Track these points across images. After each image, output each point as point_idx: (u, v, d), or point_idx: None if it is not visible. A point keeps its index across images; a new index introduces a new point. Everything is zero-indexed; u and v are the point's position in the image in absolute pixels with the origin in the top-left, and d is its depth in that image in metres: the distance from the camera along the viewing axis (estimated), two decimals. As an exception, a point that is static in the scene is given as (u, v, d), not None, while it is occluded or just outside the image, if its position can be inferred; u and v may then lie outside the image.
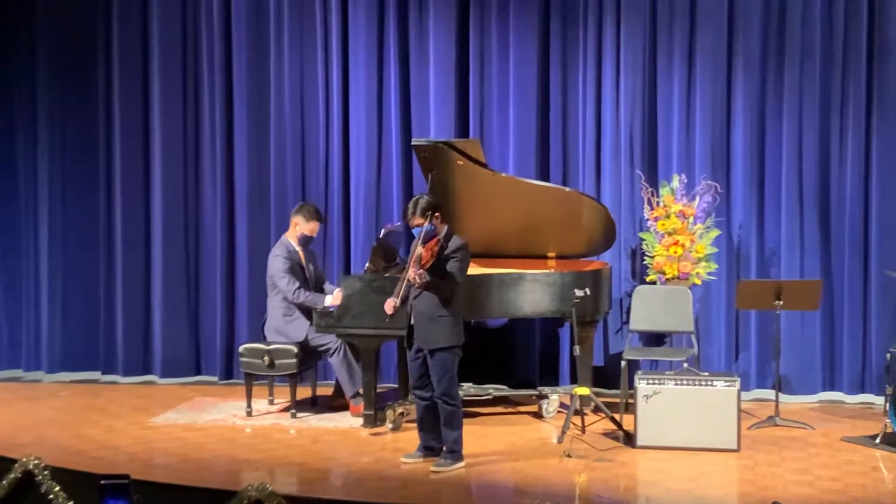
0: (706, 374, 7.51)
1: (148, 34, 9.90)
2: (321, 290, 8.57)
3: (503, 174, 8.54)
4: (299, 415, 8.43)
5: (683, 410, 7.37)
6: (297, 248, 8.60)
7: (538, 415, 8.44)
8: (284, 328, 8.46)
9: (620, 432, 7.71)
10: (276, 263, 8.49)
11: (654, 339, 9.06)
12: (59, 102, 10.06)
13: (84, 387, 9.75)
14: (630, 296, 8.82)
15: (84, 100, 10.04)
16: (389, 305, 7.10)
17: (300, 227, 8.60)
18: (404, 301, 7.13)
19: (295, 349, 8.36)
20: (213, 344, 9.90)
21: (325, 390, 8.98)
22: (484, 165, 8.34)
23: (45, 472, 6.44)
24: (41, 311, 10.15)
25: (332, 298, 8.22)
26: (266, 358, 8.38)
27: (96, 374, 10.05)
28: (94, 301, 10.08)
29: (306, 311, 8.41)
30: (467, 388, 8.58)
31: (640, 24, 9.16)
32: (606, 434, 7.80)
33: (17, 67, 10.14)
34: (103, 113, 10.00)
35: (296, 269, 8.51)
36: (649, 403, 7.41)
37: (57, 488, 6.38)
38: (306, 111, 9.73)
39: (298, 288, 8.41)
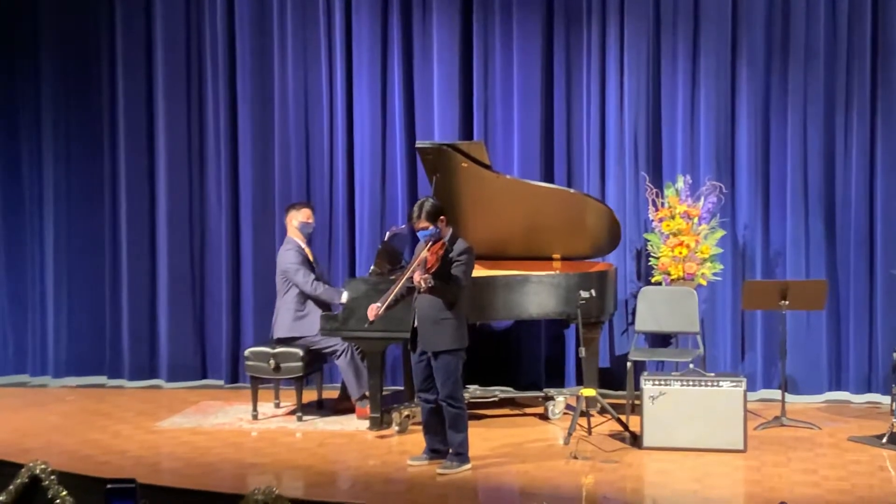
0: (712, 374, 7.52)
1: (151, 39, 9.90)
2: (328, 288, 8.61)
3: (507, 176, 8.55)
4: (305, 418, 8.43)
5: (689, 411, 7.37)
6: (304, 246, 8.61)
7: (544, 416, 8.44)
8: (296, 325, 8.44)
9: (627, 433, 7.71)
10: (289, 256, 8.48)
11: (660, 340, 9.05)
12: (63, 109, 10.07)
13: (90, 391, 9.77)
14: (635, 297, 8.82)
15: (88, 106, 10.05)
16: (372, 311, 7.12)
17: (295, 218, 8.62)
18: (390, 307, 7.14)
19: (300, 352, 8.37)
20: (218, 348, 9.91)
21: (331, 393, 8.99)
22: (488, 167, 8.34)
23: (52, 477, 6.42)
24: (47, 317, 10.16)
25: (347, 296, 8.21)
26: (272, 361, 8.39)
27: (102, 379, 10.06)
28: (99, 306, 10.09)
29: (318, 305, 8.40)
30: (473, 391, 8.59)
31: (644, 25, 9.16)
32: (613, 435, 7.80)
33: (20, 74, 10.15)
34: (107, 119, 10.01)
35: (305, 262, 8.52)
36: (655, 404, 7.41)
37: (64, 493, 6.37)
38: (310, 114, 9.73)
39: (315, 279, 8.41)
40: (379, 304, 7.13)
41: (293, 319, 8.47)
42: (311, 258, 8.64)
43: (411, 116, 9.57)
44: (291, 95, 9.70)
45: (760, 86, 9.05)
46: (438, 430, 7.15)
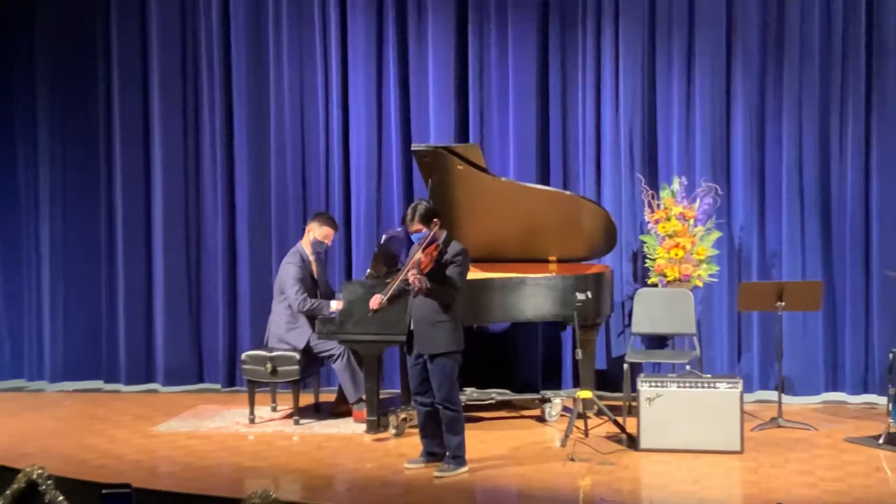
0: (708, 376, 7.51)
1: (147, 41, 9.90)
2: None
3: (503, 178, 8.54)
4: (302, 421, 8.43)
5: (686, 413, 7.37)
6: (311, 259, 8.61)
7: (541, 419, 8.44)
8: (286, 335, 8.46)
9: (623, 435, 7.71)
10: (289, 271, 8.49)
11: (657, 341, 9.05)
12: (59, 111, 10.06)
13: (87, 396, 9.76)
14: (632, 299, 8.82)
15: (84, 108, 10.04)
16: (375, 301, 7.14)
17: (313, 231, 8.62)
18: (392, 300, 7.14)
19: (297, 356, 8.37)
20: (215, 351, 9.90)
21: (328, 397, 8.98)
22: (484, 170, 8.34)
23: (49, 482, 6.43)
24: (43, 321, 10.15)
25: (337, 304, 8.23)
26: (268, 365, 8.38)
27: (99, 383, 10.05)
28: (96, 310, 10.07)
29: (310, 320, 8.41)
30: (470, 393, 8.59)
31: (639, 27, 9.16)
32: (609, 437, 7.79)
33: (16, 76, 10.14)
34: (103, 121, 10.00)
35: (306, 280, 8.51)
36: (652, 406, 7.41)
37: (60, 498, 6.37)
38: (306, 117, 9.74)
39: (305, 297, 8.41)
40: (381, 295, 7.12)
41: (286, 330, 8.47)
42: (314, 274, 8.63)
43: (407, 119, 9.57)
44: (287, 99, 9.70)
45: (755, 87, 9.06)
46: (435, 433, 7.14)
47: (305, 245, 8.64)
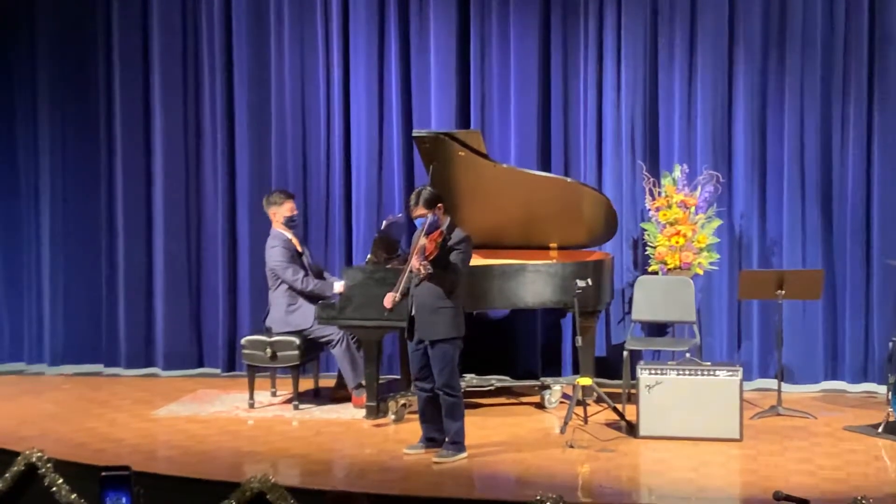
0: (708, 364, 7.51)
1: (148, 25, 9.88)
2: (321, 279, 8.59)
3: (504, 165, 8.53)
4: (301, 406, 8.43)
5: (686, 400, 7.37)
6: (290, 237, 8.60)
7: (541, 405, 8.44)
8: (288, 318, 8.45)
9: (623, 423, 7.71)
10: (275, 254, 8.48)
11: (656, 329, 9.06)
12: (60, 97, 10.05)
13: (86, 379, 9.76)
14: (632, 286, 8.81)
15: (85, 94, 10.03)
16: (389, 300, 7.14)
17: (278, 213, 8.60)
18: (404, 295, 7.14)
19: (297, 341, 8.36)
20: (215, 336, 9.90)
21: (328, 382, 8.98)
22: (485, 156, 8.33)
23: (48, 465, 6.45)
24: (43, 305, 10.15)
25: (340, 286, 8.21)
26: (268, 350, 8.38)
27: (99, 367, 10.06)
28: (96, 294, 10.08)
29: (310, 299, 8.41)
30: (470, 379, 8.59)
31: (641, 14, 9.14)
32: (609, 424, 7.80)
33: (17, 62, 10.13)
34: (104, 107, 9.99)
35: (294, 258, 8.51)
36: (651, 394, 7.41)
37: (60, 481, 6.39)
38: (307, 103, 9.72)
39: (306, 276, 8.42)
40: (394, 293, 7.13)
41: (285, 314, 8.46)
42: (299, 249, 8.63)
43: (408, 105, 9.56)
44: (288, 84, 9.68)
45: (757, 75, 9.04)
46: (435, 418, 7.15)
47: (280, 228, 8.61)
